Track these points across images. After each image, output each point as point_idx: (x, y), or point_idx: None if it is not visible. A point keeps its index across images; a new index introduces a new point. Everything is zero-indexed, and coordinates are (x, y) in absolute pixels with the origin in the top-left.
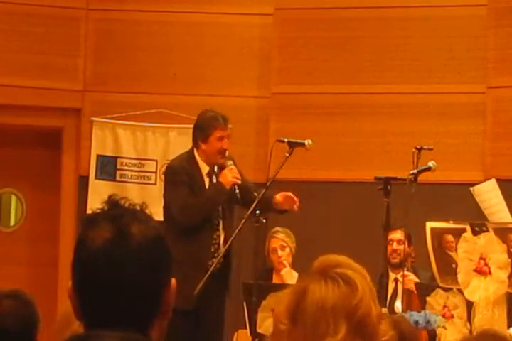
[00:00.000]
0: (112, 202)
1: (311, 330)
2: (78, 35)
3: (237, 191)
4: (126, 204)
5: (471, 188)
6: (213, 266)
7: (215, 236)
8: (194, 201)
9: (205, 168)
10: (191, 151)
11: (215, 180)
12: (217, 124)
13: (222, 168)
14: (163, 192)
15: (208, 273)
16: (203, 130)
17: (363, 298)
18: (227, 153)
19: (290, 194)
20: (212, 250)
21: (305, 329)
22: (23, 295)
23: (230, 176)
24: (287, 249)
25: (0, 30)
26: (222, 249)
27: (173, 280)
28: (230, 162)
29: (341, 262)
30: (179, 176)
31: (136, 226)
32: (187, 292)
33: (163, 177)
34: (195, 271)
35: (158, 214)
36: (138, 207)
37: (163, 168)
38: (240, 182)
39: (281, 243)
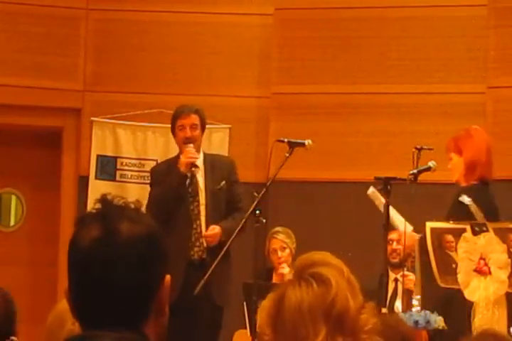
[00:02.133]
0: (103, 201)
1: (292, 336)
2: (78, 35)
3: (194, 169)
4: (119, 203)
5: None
6: (213, 265)
7: (194, 226)
8: (154, 193)
9: None
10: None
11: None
12: (176, 115)
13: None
14: None
15: (209, 272)
16: (171, 124)
17: (338, 293)
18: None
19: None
20: (193, 239)
21: (286, 336)
22: (1, 292)
23: (183, 157)
24: (287, 250)
25: (0, 30)
26: (204, 240)
27: (168, 277)
28: (190, 145)
29: (316, 260)
30: (153, 178)
31: (124, 224)
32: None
33: None
34: (176, 262)
35: None
36: (131, 205)
37: None
38: (196, 160)
39: (282, 244)
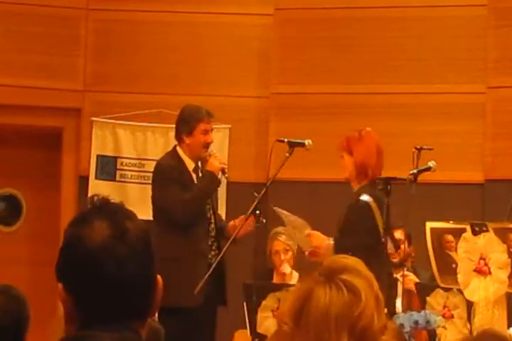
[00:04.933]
0: (100, 201)
1: (314, 336)
2: (78, 35)
3: (226, 175)
4: (115, 202)
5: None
6: (214, 264)
7: (210, 230)
8: (190, 196)
9: (190, 164)
10: (173, 150)
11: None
12: (202, 117)
13: (206, 161)
14: (152, 192)
15: (209, 272)
16: (187, 123)
17: (365, 308)
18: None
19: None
20: (210, 243)
21: (308, 335)
22: (13, 290)
23: (216, 162)
24: (290, 253)
25: (0, 30)
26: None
27: (159, 278)
28: (213, 151)
29: (348, 267)
30: (169, 174)
31: (129, 223)
32: (192, 289)
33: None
34: (198, 267)
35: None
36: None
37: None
38: (226, 166)
39: (285, 246)
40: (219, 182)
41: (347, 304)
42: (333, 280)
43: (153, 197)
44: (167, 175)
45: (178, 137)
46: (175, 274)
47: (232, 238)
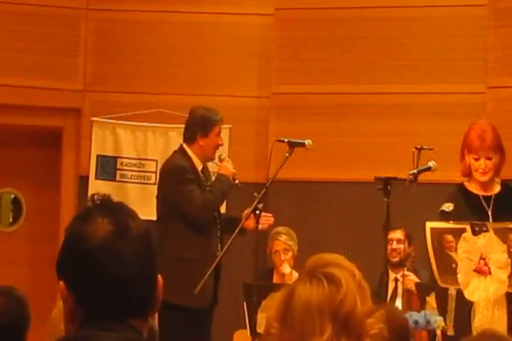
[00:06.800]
0: (103, 199)
1: (299, 331)
2: (78, 35)
3: (237, 181)
4: (117, 201)
5: None
6: (215, 263)
7: (218, 233)
8: (211, 197)
9: (199, 165)
10: (182, 150)
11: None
12: (219, 120)
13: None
14: (161, 191)
15: (210, 270)
16: (204, 125)
17: (347, 294)
18: None
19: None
20: (219, 246)
21: (293, 331)
22: (14, 292)
23: (231, 167)
24: (290, 253)
25: (0, 30)
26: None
27: (159, 277)
28: (223, 155)
29: (330, 261)
30: (188, 175)
31: (131, 221)
32: (204, 289)
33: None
34: (209, 268)
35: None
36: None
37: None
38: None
39: (285, 246)
40: (233, 186)
41: (328, 293)
42: (314, 274)
43: (162, 197)
44: (186, 176)
45: (193, 138)
46: (190, 274)
47: (238, 228)
